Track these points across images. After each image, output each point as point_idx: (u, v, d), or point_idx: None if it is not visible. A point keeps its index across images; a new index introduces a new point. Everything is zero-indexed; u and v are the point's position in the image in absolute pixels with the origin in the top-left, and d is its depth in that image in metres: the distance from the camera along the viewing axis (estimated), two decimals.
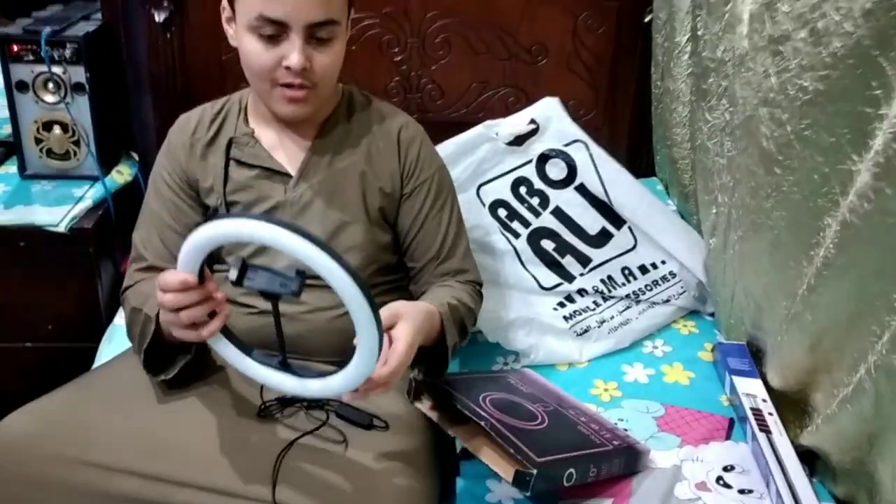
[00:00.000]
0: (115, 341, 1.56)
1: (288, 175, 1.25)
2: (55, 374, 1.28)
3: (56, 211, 1.75)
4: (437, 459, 1.20)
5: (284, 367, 1.00)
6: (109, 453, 1.06)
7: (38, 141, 1.84)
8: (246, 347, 1.03)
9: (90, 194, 1.83)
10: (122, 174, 1.96)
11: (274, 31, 1.12)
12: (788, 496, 1.10)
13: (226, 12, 1.19)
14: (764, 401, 1.28)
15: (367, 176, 1.26)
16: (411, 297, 1.32)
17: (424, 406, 1.17)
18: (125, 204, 1.85)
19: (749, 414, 1.25)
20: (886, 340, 0.97)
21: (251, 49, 1.15)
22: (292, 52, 1.12)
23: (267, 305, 0.99)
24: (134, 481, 1.05)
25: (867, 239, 1.00)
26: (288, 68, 1.13)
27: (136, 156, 2.04)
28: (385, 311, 1.02)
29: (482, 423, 1.09)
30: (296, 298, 0.91)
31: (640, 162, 1.99)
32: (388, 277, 1.31)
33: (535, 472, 1.03)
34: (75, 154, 1.86)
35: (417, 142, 1.30)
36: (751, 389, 1.30)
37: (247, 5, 1.12)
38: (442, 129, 1.86)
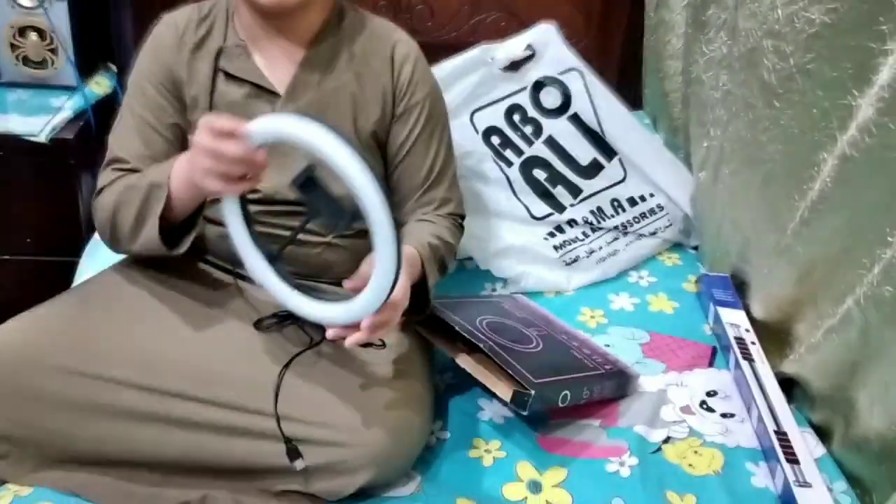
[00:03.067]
0: (97, 255, 1.53)
1: (276, 94, 1.20)
2: (34, 288, 1.27)
3: (34, 121, 1.70)
4: (432, 377, 1.22)
5: (297, 287, 1.01)
6: (108, 365, 1.06)
7: (13, 48, 1.77)
8: (264, 246, 1.03)
9: (69, 105, 1.78)
10: (99, 85, 1.90)
11: None
12: (770, 420, 1.15)
13: None
14: (747, 330, 1.32)
15: (357, 98, 1.22)
16: None
17: (427, 332, 1.19)
18: (104, 116, 1.80)
19: (733, 342, 1.29)
20: (878, 272, 1.00)
21: None
22: None
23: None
24: (133, 394, 1.05)
25: (866, 172, 1.02)
26: None
27: (114, 67, 1.97)
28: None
29: (481, 345, 1.11)
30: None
31: (628, 94, 1.96)
32: None
33: (533, 392, 1.06)
34: (52, 63, 1.80)
35: (412, 60, 1.25)
36: (734, 319, 1.34)
37: None
38: (431, 51, 1.81)
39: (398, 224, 0.91)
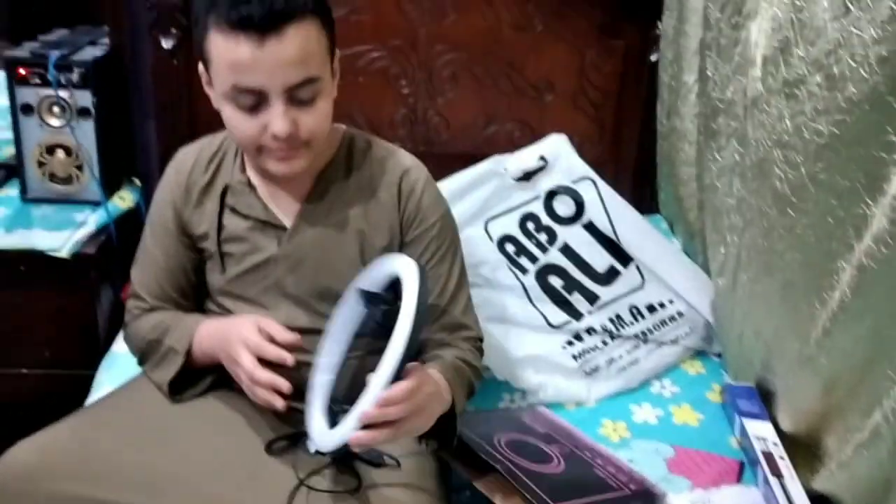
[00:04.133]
0: (114, 369, 1.53)
1: (283, 228, 1.21)
2: (53, 402, 1.28)
3: (58, 235, 1.73)
4: (447, 500, 1.17)
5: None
6: (117, 489, 1.04)
7: (40, 164, 1.83)
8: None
9: (92, 219, 1.82)
10: (124, 200, 1.95)
11: (253, 101, 1.06)
12: None
13: (204, 77, 1.13)
14: (775, 444, 1.27)
15: (365, 234, 1.21)
16: None
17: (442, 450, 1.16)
18: (127, 229, 1.84)
19: (760, 457, 1.24)
20: None
21: (232, 119, 1.09)
22: (275, 120, 1.06)
23: None
24: None
25: (884, 283, 1.00)
26: (274, 136, 1.07)
27: (138, 181, 2.02)
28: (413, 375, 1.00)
29: (498, 467, 1.08)
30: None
31: (644, 199, 1.98)
32: None
33: None
34: (78, 178, 1.85)
35: (420, 188, 1.23)
36: (761, 432, 1.29)
37: (220, 76, 1.06)
38: (447, 163, 1.86)
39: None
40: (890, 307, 1.01)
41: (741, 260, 1.40)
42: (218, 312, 1.25)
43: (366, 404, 0.97)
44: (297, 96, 1.07)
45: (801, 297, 1.20)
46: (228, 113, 1.10)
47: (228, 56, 1.03)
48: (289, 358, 1.05)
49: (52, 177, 1.84)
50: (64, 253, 1.70)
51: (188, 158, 1.26)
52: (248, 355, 1.06)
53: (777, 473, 1.21)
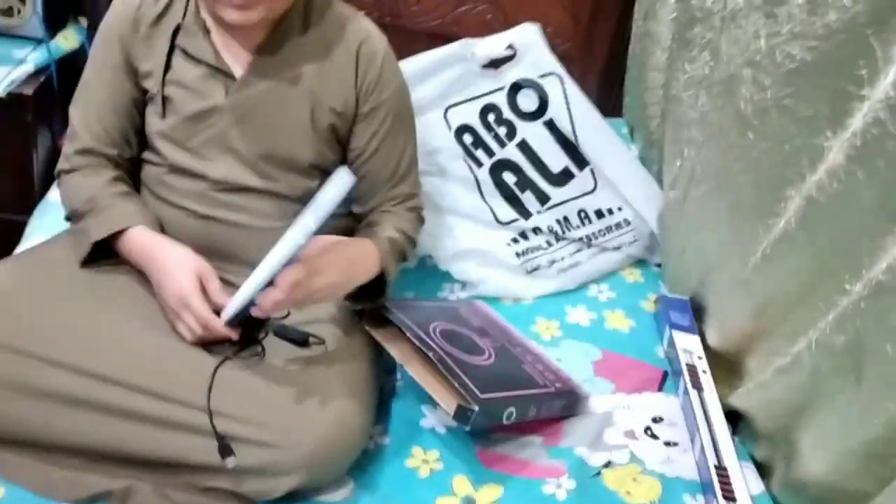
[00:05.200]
0: (47, 217, 1.48)
1: (232, 77, 1.16)
2: None
3: None
4: (375, 380, 1.19)
5: None
6: (43, 344, 1.03)
7: None
8: None
9: (32, 57, 1.71)
10: (67, 40, 1.83)
11: None
12: (711, 452, 1.14)
13: None
14: (700, 358, 1.31)
15: (316, 94, 1.18)
16: (352, 215, 1.29)
17: (376, 333, 1.16)
18: (69, 72, 1.73)
19: (684, 369, 1.27)
20: (832, 320, 0.99)
21: None
22: None
23: (199, 208, 1.16)
24: (67, 376, 1.02)
25: (830, 218, 1.01)
26: None
27: (84, 21, 1.90)
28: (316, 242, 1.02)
29: (430, 354, 1.09)
30: None
31: (609, 101, 1.95)
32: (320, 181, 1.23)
33: (476, 408, 1.04)
34: (19, 11, 1.72)
35: (379, 58, 1.20)
36: (688, 345, 1.33)
37: None
38: (411, 39, 1.79)
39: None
40: (830, 242, 1.02)
41: (695, 175, 1.40)
42: (156, 162, 1.21)
43: (258, 272, 1.00)
44: None
45: (747, 220, 1.21)
46: None
47: None
48: (233, 334, 1.08)
49: None
50: None
51: None
52: (192, 318, 1.07)
53: (697, 386, 1.25)
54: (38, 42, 1.74)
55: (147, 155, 1.24)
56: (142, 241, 1.15)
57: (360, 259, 1.14)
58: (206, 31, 1.16)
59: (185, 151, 1.19)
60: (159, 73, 1.17)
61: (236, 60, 1.17)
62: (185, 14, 1.17)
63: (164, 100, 1.17)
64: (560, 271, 1.51)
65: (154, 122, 1.20)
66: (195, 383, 1.03)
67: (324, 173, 1.19)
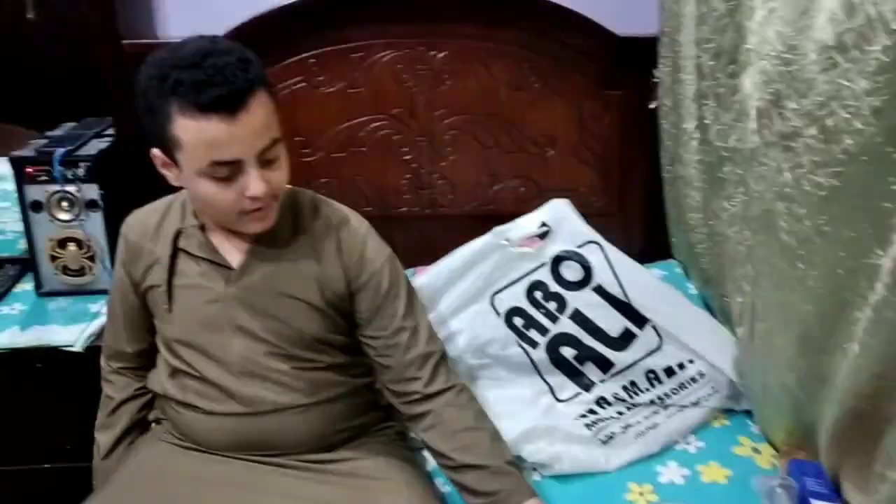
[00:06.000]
0: None
1: (230, 268, 1.27)
2: (74, 496, 1.31)
3: (72, 329, 1.74)
4: None
5: None
6: None
7: (52, 258, 1.85)
8: None
9: (105, 310, 1.82)
10: None
11: (229, 171, 1.12)
12: None
13: (160, 160, 1.18)
14: None
15: (318, 272, 1.28)
16: (360, 369, 1.36)
17: None
18: None
19: None
20: None
21: (209, 192, 1.15)
22: (253, 183, 1.13)
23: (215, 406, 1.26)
24: None
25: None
26: (252, 197, 1.14)
27: None
28: None
29: None
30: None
31: (656, 246, 1.96)
32: (338, 359, 1.32)
33: None
34: (90, 269, 1.86)
35: (358, 243, 1.30)
36: None
37: (196, 155, 1.11)
38: (455, 224, 1.87)
39: None
40: None
41: (756, 310, 1.37)
42: (174, 364, 1.31)
43: None
44: (265, 157, 1.14)
45: (820, 349, 1.18)
46: (204, 189, 1.15)
47: (203, 136, 1.09)
48: None
49: (65, 269, 1.86)
50: (77, 347, 1.70)
51: (138, 214, 1.37)
52: None
53: None
54: (108, 294, 1.86)
55: (165, 356, 1.34)
56: None
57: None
58: (204, 232, 1.27)
59: (196, 351, 1.29)
60: (164, 273, 1.29)
61: (234, 256, 1.28)
62: (183, 219, 1.29)
63: (171, 295, 1.29)
64: (638, 435, 1.44)
65: (165, 326, 1.32)
66: None
67: (337, 348, 1.30)
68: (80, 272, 1.86)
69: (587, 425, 1.46)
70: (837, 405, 1.14)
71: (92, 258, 1.85)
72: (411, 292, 1.33)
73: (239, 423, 1.26)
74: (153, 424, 1.43)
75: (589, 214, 1.67)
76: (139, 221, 1.35)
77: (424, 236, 1.93)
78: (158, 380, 1.35)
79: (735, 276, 1.48)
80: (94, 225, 1.83)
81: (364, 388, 1.36)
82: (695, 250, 1.76)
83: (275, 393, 1.26)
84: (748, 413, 1.52)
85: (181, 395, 1.30)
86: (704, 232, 1.69)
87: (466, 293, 1.48)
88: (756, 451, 1.42)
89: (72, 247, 1.84)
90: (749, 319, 1.41)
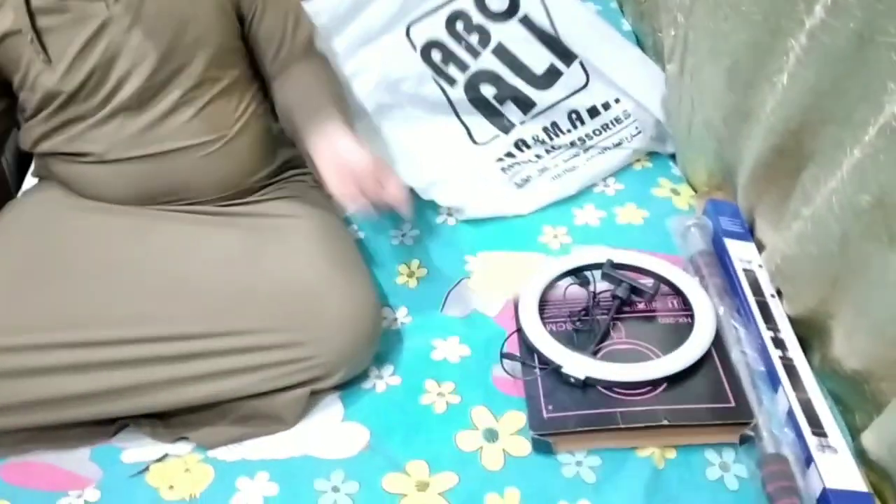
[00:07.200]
0: None
1: None
2: None
3: None
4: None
5: None
6: (31, 332, 1.01)
7: None
8: None
9: None
10: None
11: None
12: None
13: None
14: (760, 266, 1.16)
15: None
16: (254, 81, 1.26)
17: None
18: None
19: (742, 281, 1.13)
20: (852, 175, 0.89)
21: None
22: None
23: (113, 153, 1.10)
24: (61, 352, 1.00)
25: (835, 58, 0.90)
26: None
27: None
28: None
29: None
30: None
31: None
32: (233, 70, 1.20)
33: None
34: None
35: None
36: (745, 254, 1.18)
37: None
38: None
39: None
40: (837, 86, 0.91)
41: (688, 42, 1.27)
42: (59, 117, 1.12)
43: None
44: None
45: (748, 84, 1.10)
46: None
47: None
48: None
49: None
50: None
51: None
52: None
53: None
54: None
55: (35, 121, 1.15)
56: None
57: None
58: None
59: (87, 93, 1.10)
60: (23, 16, 1.04)
61: None
62: None
63: (39, 34, 1.06)
64: (555, 178, 1.37)
65: (42, 79, 1.09)
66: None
67: (234, 55, 1.19)
68: None
69: (503, 169, 1.38)
70: (761, 141, 1.09)
71: None
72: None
73: (141, 167, 1.14)
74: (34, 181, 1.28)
75: None
76: None
77: None
78: (31, 138, 1.17)
79: (670, 4, 1.36)
80: None
81: (268, 128, 1.26)
82: None
83: (179, 136, 1.13)
84: (672, 156, 1.46)
85: (69, 147, 1.14)
86: None
87: (378, 20, 1.34)
88: (675, 192, 1.38)
89: None
90: (680, 53, 1.31)
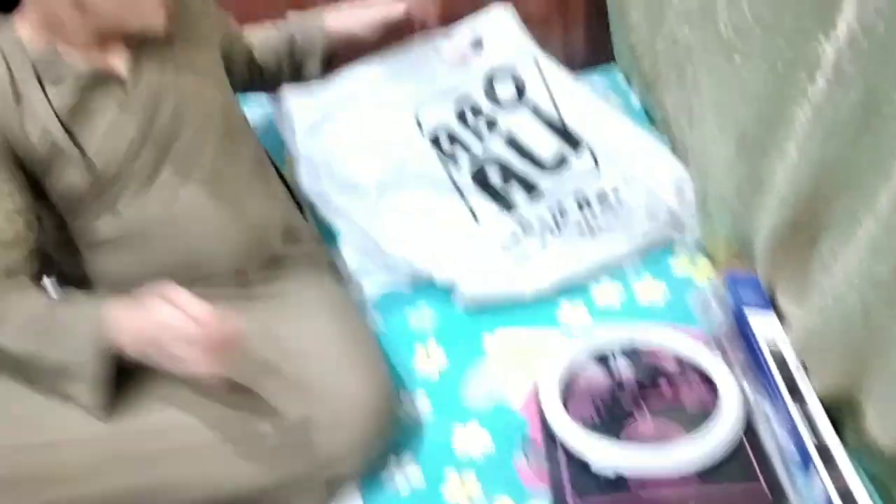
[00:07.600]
0: None
1: (119, 78, 1.09)
2: None
3: None
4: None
5: None
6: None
7: None
8: None
9: None
10: None
11: None
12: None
13: None
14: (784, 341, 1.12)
15: (201, 38, 1.22)
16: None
17: None
18: None
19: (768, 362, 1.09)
20: (861, 243, 0.86)
21: None
22: None
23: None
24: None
25: (839, 124, 0.88)
26: None
27: None
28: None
29: None
30: None
31: (600, 50, 1.81)
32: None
33: None
34: None
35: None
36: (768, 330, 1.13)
37: None
38: None
39: None
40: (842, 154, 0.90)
41: (694, 115, 1.27)
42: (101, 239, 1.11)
43: None
44: None
45: (759, 152, 1.09)
46: None
47: None
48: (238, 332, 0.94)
49: None
50: None
51: None
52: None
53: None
54: None
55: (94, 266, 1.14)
56: (127, 316, 0.98)
57: None
58: (59, 53, 1.06)
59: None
60: (50, 117, 1.03)
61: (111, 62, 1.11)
62: (24, 54, 1.04)
63: (73, 136, 1.05)
64: (559, 260, 1.30)
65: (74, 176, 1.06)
66: None
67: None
68: None
69: (505, 248, 1.32)
70: (776, 213, 1.07)
71: None
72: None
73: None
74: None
75: (528, 20, 1.53)
76: None
77: None
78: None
79: (674, 78, 1.36)
80: None
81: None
82: (635, 53, 1.62)
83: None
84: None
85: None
86: (645, 29, 1.54)
87: (388, 101, 1.36)
88: (693, 263, 1.35)
89: None
90: (687, 126, 1.31)
